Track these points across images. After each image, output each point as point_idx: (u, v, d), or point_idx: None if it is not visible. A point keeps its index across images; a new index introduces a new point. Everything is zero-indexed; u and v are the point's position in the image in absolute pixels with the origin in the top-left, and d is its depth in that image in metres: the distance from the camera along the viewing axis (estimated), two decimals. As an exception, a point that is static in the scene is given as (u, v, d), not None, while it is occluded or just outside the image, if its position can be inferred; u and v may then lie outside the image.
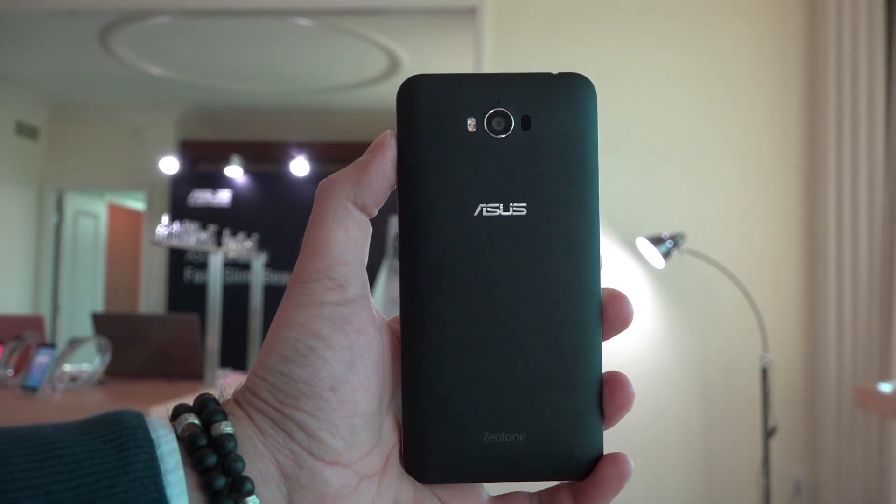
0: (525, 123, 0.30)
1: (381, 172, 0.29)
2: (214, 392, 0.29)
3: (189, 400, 0.29)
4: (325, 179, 0.30)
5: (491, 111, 0.30)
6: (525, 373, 0.29)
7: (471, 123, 0.29)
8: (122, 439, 0.25)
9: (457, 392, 0.29)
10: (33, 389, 2.26)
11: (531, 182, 0.30)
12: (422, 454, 0.29)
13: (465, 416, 0.29)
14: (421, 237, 0.29)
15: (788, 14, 2.68)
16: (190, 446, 0.26)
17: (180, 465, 0.25)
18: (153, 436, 0.26)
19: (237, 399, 0.29)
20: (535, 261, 0.29)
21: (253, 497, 0.26)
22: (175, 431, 0.27)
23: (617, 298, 0.30)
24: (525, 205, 0.29)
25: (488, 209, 0.29)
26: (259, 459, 0.27)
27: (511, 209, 0.29)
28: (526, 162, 0.30)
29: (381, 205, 0.30)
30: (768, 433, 2.41)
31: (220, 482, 0.26)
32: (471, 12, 2.78)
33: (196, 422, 0.27)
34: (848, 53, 2.52)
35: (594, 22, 2.74)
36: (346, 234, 0.29)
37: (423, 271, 0.29)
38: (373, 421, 0.29)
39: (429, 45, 4.19)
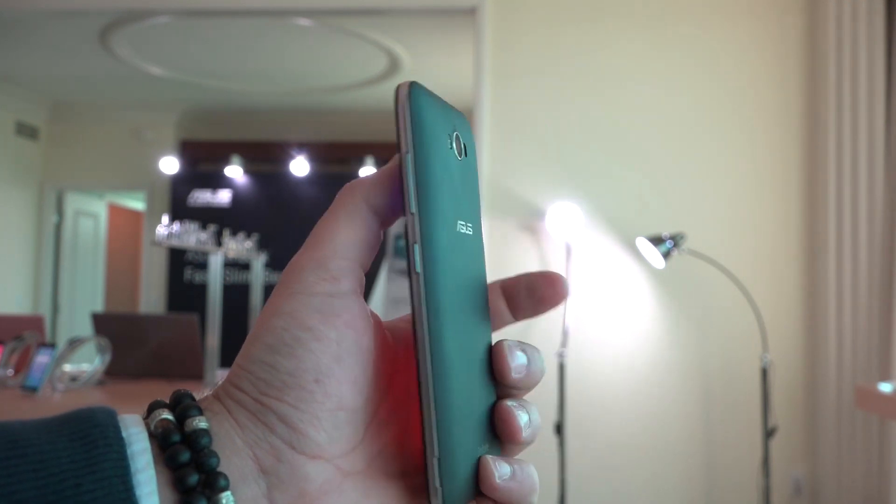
0: (465, 150, 0.31)
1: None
2: (209, 390, 0.29)
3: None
4: (349, 182, 0.30)
5: (454, 133, 0.30)
6: (478, 389, 0.29)
7: (449, 141, 0.30)
8: (92, 437, 0.24)
9: (462, 417, 0.29)
10: (33, 389, 2.26)
11: (472, 204, 0.31)
12: (451, 483, 0.28)
13: (469, 441, 0.29)
14: (430, 250, 0.28)
15: (788, 14, 2.68)
16: (163, 442, 0.26)
17: (151, 465, 0.25)
18: (124, 434, 0.25)
19: (217, 394, 0.28)
20: (478, 279, 0.31)
21: (227, 493, 0.25)
22: (148, 428, 0.26)
23: (549, 279, 0.31)
24: (472, 225, 0.31)
25: (459, 225, 0.30)
26: (236, 455, 0.26)
27: (468, 227, 0.30)
28: (469, 185, 0.31)
29: (398, 212, 0.30)
30: (768, 433, 2.41)
31: (193, 479, 0.25)
32: (471, 12, 2.78)
33: (170, 417, 0.26)
34: (848, 53, 2.52)
35: (594, 22, 2.74)
36: (352, 231, 0.29)
37: (433, 288, 0.28)
38: (357, 417, 0.28)
39: (429, 45, 4.19)
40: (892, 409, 1.79)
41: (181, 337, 2.76)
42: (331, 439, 0.27)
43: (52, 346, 2.35)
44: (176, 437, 0.26)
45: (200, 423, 0.26)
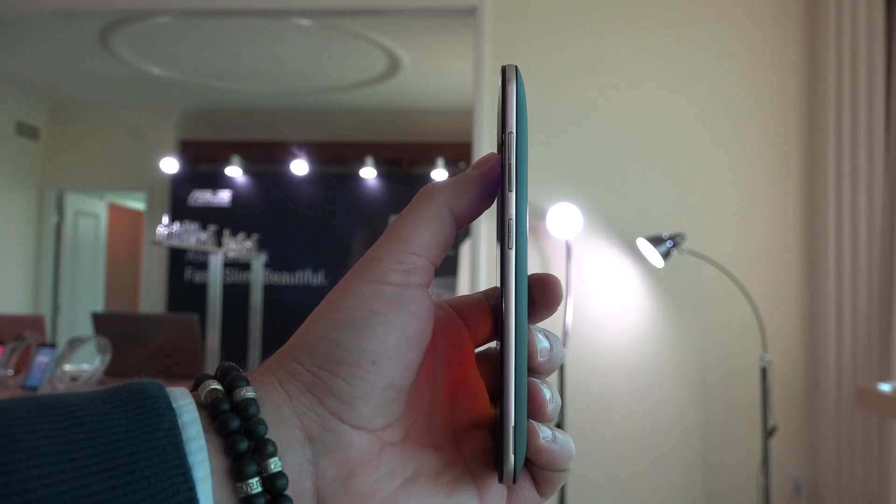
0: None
1: (482, 190, 0.31)
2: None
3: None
4: (429, 184, 0.31)
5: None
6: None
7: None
8: (145, 408, 0.25)
9: (524, 392, 0.30)
10: (33, 389, 2.26)
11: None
12: (515, 462, 0.29)
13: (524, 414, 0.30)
14: (521, 229, 0.29)
15: (788, 14, 2.69)
16: (213, 411, 0.27)
17: (201, 433, 0.26)
18: (174, 405, 0.26)
19: (270, 365, 0.30)
20: None
21: (275, 459, 0.27)
22: (197, 400, 0.28)
23: (540, 281, 0.32)
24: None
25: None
26: (284, 423, 0.28)
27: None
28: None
29: (474, 220, 0.31)
30: (768, 433, 2.41)
31: (244, 445, 0.26)
32: (471, 12, 2.78)
33: (219, 387, 0.28)
34: (848, 53, 2.52)
35: (593, 22, 2.74)
36: (431, 233, 0.30)
37: (521, 266, 0.29)
38: (402, 396, 0.30)
39: (429, 45, 4.19)
40: (892, 409, 1.79)
41: (181, 337, 2.76)
42: (377, 414, 0.29)
43: (53, 346, 2.35)
44: (225, 406, 0.27)
45: (248, 392, 0.28)
